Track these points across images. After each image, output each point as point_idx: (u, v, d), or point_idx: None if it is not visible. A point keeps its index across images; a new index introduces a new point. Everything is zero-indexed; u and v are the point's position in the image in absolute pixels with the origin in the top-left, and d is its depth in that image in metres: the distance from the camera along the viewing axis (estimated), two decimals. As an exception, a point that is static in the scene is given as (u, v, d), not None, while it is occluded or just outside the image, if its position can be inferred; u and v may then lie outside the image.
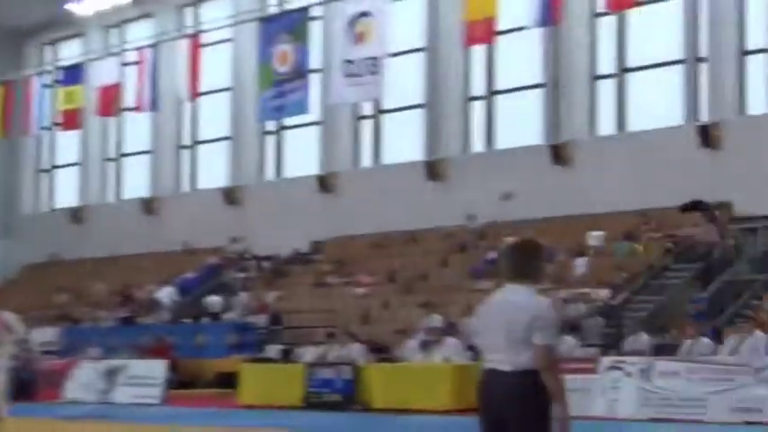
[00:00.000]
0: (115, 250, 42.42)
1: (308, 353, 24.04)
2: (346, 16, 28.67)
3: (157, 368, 25.62)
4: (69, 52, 45.22)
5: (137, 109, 35.44)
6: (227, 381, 25.69)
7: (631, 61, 33.05)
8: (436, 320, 25.40)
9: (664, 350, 21.06)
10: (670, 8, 31.80)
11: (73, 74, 37.15)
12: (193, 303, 35.86)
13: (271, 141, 40.99)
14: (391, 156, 37.69)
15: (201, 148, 42.98)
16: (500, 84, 35.71)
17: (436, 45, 35.72)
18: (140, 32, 42.14)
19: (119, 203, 45.09)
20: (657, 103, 32.48)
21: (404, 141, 37.25)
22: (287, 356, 25.22)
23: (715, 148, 30.37)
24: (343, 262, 35.61)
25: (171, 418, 19.87)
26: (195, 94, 34.67)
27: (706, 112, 31.01)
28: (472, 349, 19.71)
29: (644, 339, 21.38)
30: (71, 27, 45.16)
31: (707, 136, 30.35)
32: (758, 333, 19.24)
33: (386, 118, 37.97)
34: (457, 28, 30.07)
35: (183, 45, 34.20)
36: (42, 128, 39.40)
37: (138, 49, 35.79)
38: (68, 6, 42.50)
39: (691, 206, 30.17)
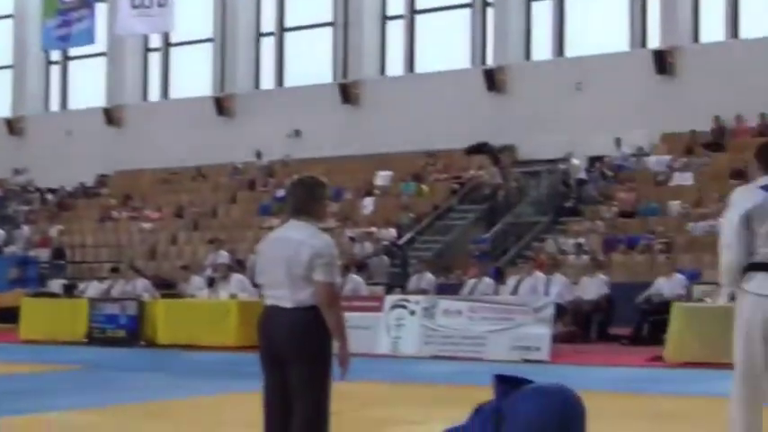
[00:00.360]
0: None
1: (92, 288, 23.60)
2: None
3: (-65, 302, 24.80)
4: None
5: None
6: (8, 316, 25.00)
7: (421, 3, 33.22)
8: (223, 257, 25.34)
9: (447, 289, 21.40)
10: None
11: None
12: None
13: (56, 71, 39.90)
14: (180, 90, 37.26)
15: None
16: (290, 21, 35.58)
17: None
18: None
19: None
20: (445, 47, 32.77)
21: (193, 76, 36.78)
22: (70, 291, 24.73)
23: (500, 92, 30.94)
24: (130, 196, 35.19)
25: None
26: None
27: (492, 57, 31.44)
28: (258, 286, 19.63)
29: (428, 278, 21.64)
30: None
31: (493, 80, 30.86)
32: (538, 273, 19.76)
33: (175, 51, 37.37)
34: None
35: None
36: None
37: None
38: None
39: (476, 148, 30.74)
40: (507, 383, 6.43)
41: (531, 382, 6.45)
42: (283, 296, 6.54)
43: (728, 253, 7.00)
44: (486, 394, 6.85)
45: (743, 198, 7.18)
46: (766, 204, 6.98)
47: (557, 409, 6.27)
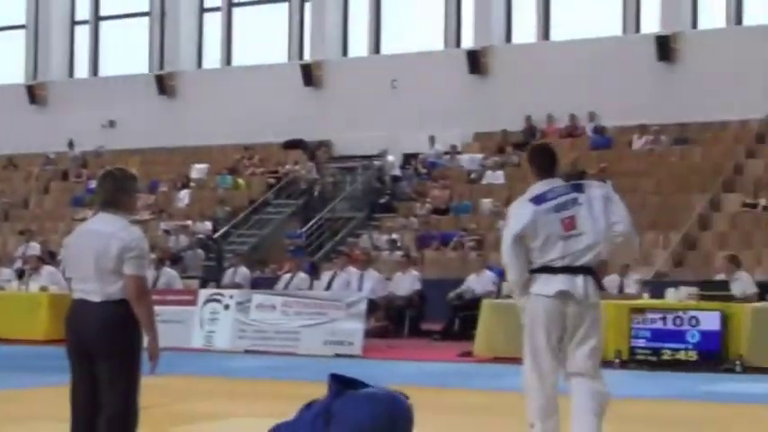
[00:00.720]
0: None
1: None
2: None
3: None
4: None
5: None
6: None
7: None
8: (34, 248, 24.86)
9: (262, 283, 21.41)
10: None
11: None
12: None
13: None
14: (-8, 76, 36.22)
15: None
16: (105, 9, 35.02)
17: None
18: None
19: None
20: (263, 41, 32.68)
21: (5, 63, 35.76)
22: None
23: (317, 87, 30.96)
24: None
25: None
26: None
27: (309, 52, 31.46)
28: (67, 279, 19.31)
29: (243, 272, 21.63)
30: None
31: (310, 75, 30.87)
32: (351, 269, 19.89)
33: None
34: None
35: None
36: None
37: None
38: None
39: (293, 144, 30.72)
40: (341, 384, 6.49)
41: (365, 385, 6.53)
42: (92, 290, 6.47)
43: (510, 272, 7.75)
44: (298, 389, 6.92)
45: (515, 216, 7.75)
46: (536, 219, 7.56)
47: (386, 417, 6.38)
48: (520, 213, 7.69)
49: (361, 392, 6.45)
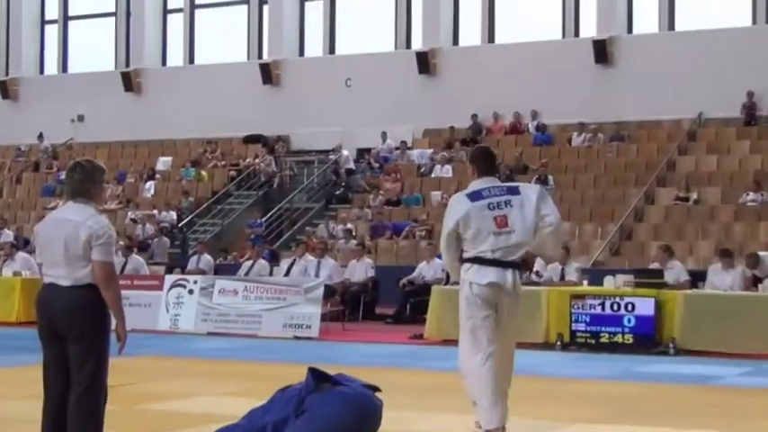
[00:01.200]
0: None
1: None
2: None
3: None
4: None
5: None
6: None
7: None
8: (7, 235, 24.74)
9: (224, 270, 21.35)
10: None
11: None
12: None
13: None
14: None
15: None
16: (74, 9, 34.82)
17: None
18: None
19: None
20: (224, 40, 32.61)
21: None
22: None
23: (275, 85, 30.97)
24: None
25: None
26: None
27: (267, 52, 31.38)
28: (39, 264, 19.15)
29: (206, 259, 21.63)
30: None
31: (268, 74, 30.82)
32: (309, 257, 19.87)
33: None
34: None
35: None
36: None
37: None
38: None
39: (253, 138, 30.69)
40: (318, 378, 6.47)
41: (342, 382, 6.50)
42: (61, 275, 6.43)
43: (445, 258, 8.33)
44: (260, 369, 6.86)
45: (454, 210, 8.12)
46: (469, 214, 7.91)
47: (354, 418, 6.36)
48: (456, 208, 8.07)
49: (335, 390, 6.45)
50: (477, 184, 8.07)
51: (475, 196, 7.96)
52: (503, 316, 7.95)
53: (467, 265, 7.94)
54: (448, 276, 18.68)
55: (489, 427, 7.68)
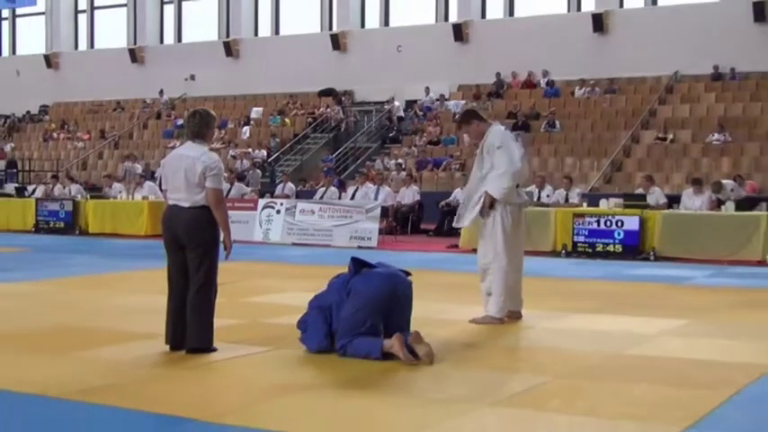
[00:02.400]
0: None
1: (38, 190, 22.99)
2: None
3: None
4: None
5: None
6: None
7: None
8: (137, 168, 24.98)
9: (304, 195, 21.40)
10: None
11: None
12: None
13: (6, 26, 38.06)
14: (103, 42, 35.98)
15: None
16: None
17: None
18: None
19: None
20: (302, 15, 32.30)
21: (112, 32, 35.49)
22: (21, 193, 23.81)
23: (343, 51, 30.76)
24: (66, 122, 34.30)
25: None
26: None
27: (336, 23, 31.16)
28: (163, 190, 19.37)
29: (290, 187, 21.66)
30: None
31: (337, 42, 30.65)
32: (369, 184, 19.92)
33: (99, 14, 36.01)
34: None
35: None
36: None
37: None
38: None
39: (325, 92, 30.65)
40: (359, 264, 6.52)
41: (377, 265, 6.53)
42: (182, 198, 6.48)
43: (514, 181, 7.75)
44: (331, 271, 6.90)
45: (515, 145, 7.83)
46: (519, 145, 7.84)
47: (389, 289, 6.39)
48: (508, 134, 7.95)
49: (372, 271, 6.46)
50: (500, 126, 8.01)
51: (513, 136, 7.92)
52: (520, 228, 7.98)
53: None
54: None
55: (500, 315, 7.81)
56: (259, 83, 31.53)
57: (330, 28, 31.44)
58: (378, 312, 6.26)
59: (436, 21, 29.96)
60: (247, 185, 22.76)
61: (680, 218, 14.89)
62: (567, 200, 17.25)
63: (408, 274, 6.63)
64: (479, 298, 8.11)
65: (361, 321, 6.21)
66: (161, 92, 33.05)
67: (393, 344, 6.09)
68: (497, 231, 7.76)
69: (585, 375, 5.97)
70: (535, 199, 16.69)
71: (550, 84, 27.56)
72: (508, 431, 4.70)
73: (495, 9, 29.17)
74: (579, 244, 14.88)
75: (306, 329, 6.54)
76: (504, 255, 7.76)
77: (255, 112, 30.87)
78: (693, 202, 16.22)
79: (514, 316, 7.96)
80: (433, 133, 27.00)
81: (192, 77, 33.08)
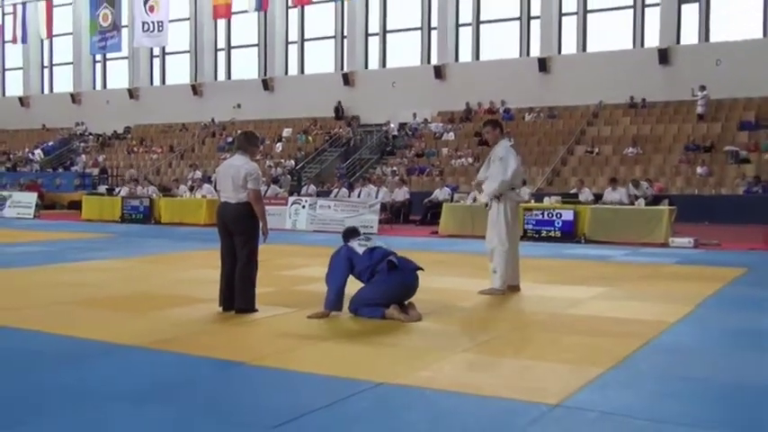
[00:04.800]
0: (1, 126, 38.75)
1: (123, 191, 22.87)
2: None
3: (32, 198, 23.59)
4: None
5: (12, 41, 31.91)
6: (75, 206, 24.19)
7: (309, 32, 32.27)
8: (198, 174, 24.92)
9: (322, 194, 21.36)
10: None
11: None
12: (53, 159, 33.54)
13: (99, 66, 37.85)
14: (172, 79, 35.70)
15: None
16: (236, 39, 34.15)
17: (200, 18, 33.77)
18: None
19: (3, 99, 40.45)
20: (321, 60, 31.98)
21: (179, 71, 35.26)
22: (110, 193, 23.81)
23: (351, 86, 30.65)
24: (144, 139, 34.09)
25: (39, 226, 18.37)
26: (49, 35, 31.90)
27: (347, 65, 30.95)
28: (217, 191, 19.31)
29: (312, 188, 21.62)
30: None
31: (347, 79, 30.54)
32: (371, 186, 19.84)
33: (169, 59, 35.84)
34: (209, 6, 28.72)
35: (42, 5, 31.15)
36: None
37: (14, 3, 32.10)
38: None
39: (338, 117, 30.55)
40: (391, 265, 6.30)
41: (399, 267, 6.33)
42: (230, 196, 6.49)
43: (510, 183, 7.61)
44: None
45: (516, 157, 7.70)
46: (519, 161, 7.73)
47: (401, 284, 6.36)
48: (510, 148, 7.79)
49: (397, 271, 6.30)
50: (507, 142, 7.93)
51: (514, 151, 7.80)
52: (517, 221, 7.89)
53: (511, 190, 7.68)
54: (451, 197, 18.73)
55: (503, 287, 7.63)
56: (289, 110, 31.37)
57: (342, 68, 31.28)
58: (389, 298, 6.22)
59: (421, 63, 29.81)
60: (280, 187, 22.74)
61: (604, 211, 14.88)
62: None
63: (421, 269, 6.54)
64: (459, 271, 8.11)
65: (374, 300, 6.21)
66: (212, 119, 32.91)
67: (392, 312, 6.14)
68: (501, 222, 7.62)
69: (533, 329, 5.96)
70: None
71: (507, 110, 27.46)
72: (473, 371, 4.69)
73: (465, 54, 29.07)
74: (528, 230, 14.83)
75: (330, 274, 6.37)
76: (506, 240, 7.60)
77: (286, 132, 30.76)
78: (613, 196, 16.21)
79: (514, 289, 7.75)
80: (419, 148, 26.92)
81: (239, 106, 32.92)
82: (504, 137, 7.99)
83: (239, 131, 6.83)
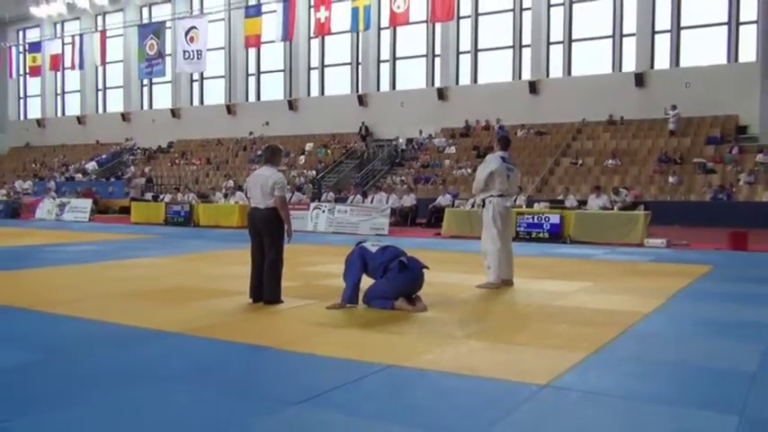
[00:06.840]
0: (62, 141, 38.90)
1: (167, 197, 23.00)
2: (184, 27, 27.06)
3: (87, 204, 23.75)
4: (31, 34, 39.93)
5: (71, 67, 32.09)
6: (125, 211, 24.29)
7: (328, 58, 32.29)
8: (231, 182, 24.95)
9: (340, 200, 21.37)
10: None
11: (34, 47, 33.32)
12: (106, 170, 33.65)
13: (146, 90, 38.02)
14: (209, 100, 35.75)
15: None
16: (266, 64, 34.17)
17: (233, 47, 33.86)
18: (73, 27, 37.76)
19: (61, 119, 40.72)
20: (333, 80, 31.99)
21: (215, 93, 35.31)
22: (155, 199, 23.95)
23: (365, 106, 30.61)
24: (185, 152, 34.11)
25: (93, 228, 18.47)
26: (103, 62, 32.04)
27: (361, 88, 30.95)
28: (248, 198, 19.33)
29: (331, 195, 21.62)
30: (33, 20, 39.93)
31: (361, 100, 30.52)
32: (382, 193, 19.94)
33: (206, 82, 35.96)
34: (241, 37, 28.79)
35: (97, 36, 31.37)
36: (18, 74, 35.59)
37: (73, 35, 32.31)
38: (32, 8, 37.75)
39: (363, 134, 30.48)
40: (402, 265, 6.32)
41: (409, 267, 6.31)
42: (259, 202, 6.49)
43: (477, 187, 7.77)
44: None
45: (491, 162, 7.70)
46: (500, 168, 7.67)
47: (409, 282, 6.32)
48: (494, 161, 7.71)
49: (406, 272, 6.30)
50: (501, 154, 7.80)
51: (503, 159, 7.73)
52: (507, 223, 7.80)
53: (493, 197, 7.64)
54: (453, 203, 18.70)
55: (497, 281, 7.63)
56: (311, 127, 31.40)
57: (357, 90, 31.28)
58: (399, 292, 6.21)
59: (426, 86, 29.72)
60: (303, 194, 22.79)
61: (587, 215, 14.82)
62: (515, 203, 17.18)
63: (426, 267, 6.54)
64: (459, 267, 8.11)
65: (385, 294, 6.20)
66: (251, 133, 32.91)
67: (401, 303, 6.14)
68: (491, 225, 7.72)
69: (524, 318, 5.94)
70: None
71: (501, 127, 27.37)
72: (472, 355, 4.68)
73: (465, 78, 29.00)
74: (520, 232, 14.81)
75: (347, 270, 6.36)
76: (498, 240, 7.66)
77: (308, 146, 30.76)
78: (595, 203, 16.14)
79: (507, 283, 7.78)
80: (424, 160, 26.87)
81: (267, 123, 33.00)
82: (496, 150, 7.98)
83: (268, 145, 6.85)
